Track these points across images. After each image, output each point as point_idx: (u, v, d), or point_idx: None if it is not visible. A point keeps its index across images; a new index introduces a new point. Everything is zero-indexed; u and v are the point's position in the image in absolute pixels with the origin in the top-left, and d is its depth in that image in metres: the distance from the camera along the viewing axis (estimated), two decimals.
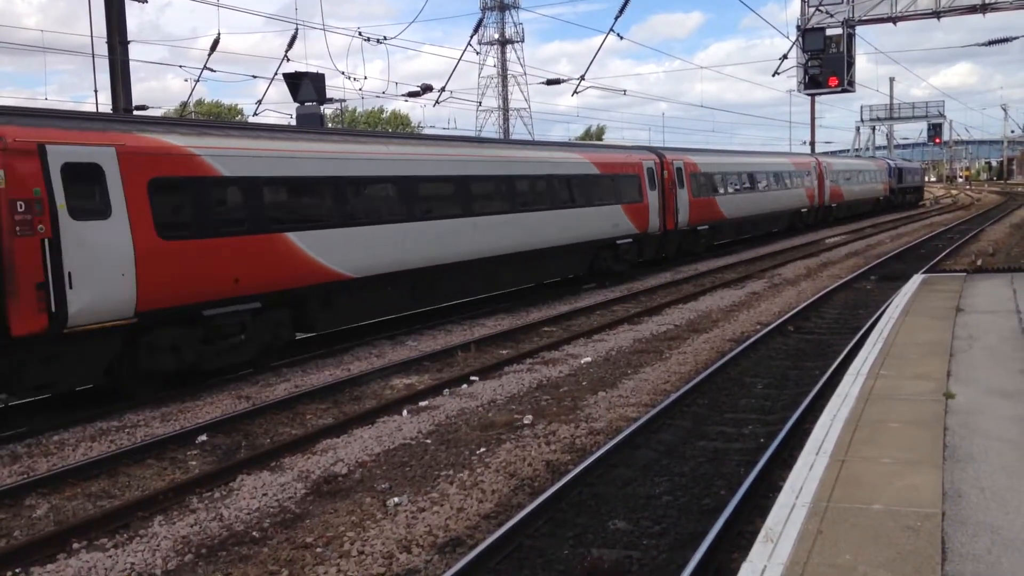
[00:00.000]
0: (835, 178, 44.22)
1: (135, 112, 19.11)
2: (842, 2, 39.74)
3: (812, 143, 59.60)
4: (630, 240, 23.73)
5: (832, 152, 72.68)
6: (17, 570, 6.63)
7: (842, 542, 4.67)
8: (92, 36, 18.65)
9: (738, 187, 31.52)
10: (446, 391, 11.86)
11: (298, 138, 14.72)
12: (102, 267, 10.70)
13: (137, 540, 7.11)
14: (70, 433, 10.29)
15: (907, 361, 9.27)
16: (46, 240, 10.12)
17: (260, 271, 12.88)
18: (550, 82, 29.22)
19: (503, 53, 76.66)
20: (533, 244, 19.50)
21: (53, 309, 10.17)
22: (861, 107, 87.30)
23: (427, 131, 55.91)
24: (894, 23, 42.46)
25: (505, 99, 77.28)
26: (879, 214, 51.36)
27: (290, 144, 14.10)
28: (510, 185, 19.07)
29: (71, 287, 10.35)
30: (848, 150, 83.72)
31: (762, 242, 34.52)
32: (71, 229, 10.40)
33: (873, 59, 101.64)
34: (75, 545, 7.06)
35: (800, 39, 36.81)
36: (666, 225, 25.68)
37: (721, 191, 29.80)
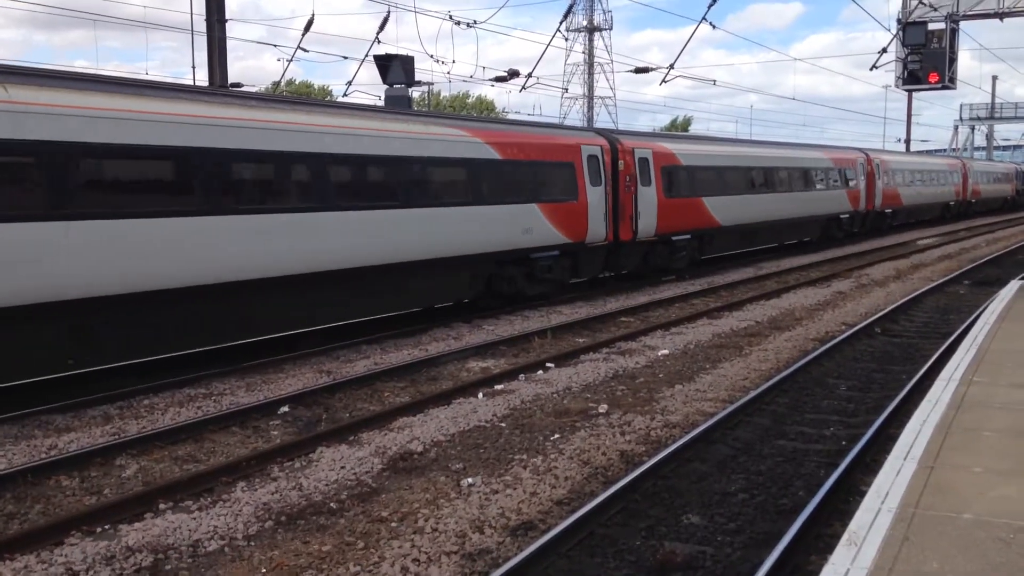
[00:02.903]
0: (976, 178, 50.93)
1: (230, 89, 19.58)
2: None
3: (908, 141, 57.66)
4: (848, 216, 32.77)
5: (932, 151, 70.72)
6: (106, 526, 6.90)
7: (929, 550, 4.53)
8: (192, 14, 19.17)
9: (910, 181, 39.48)
10: (522, 376, 11.90)
11: (705, 141, 26.68)
12: (648, 210, 20.65)
13: (220, 504, 7.34)
14: (160, 398, 10.67)
15: (1003, 368, 8.92)
16: (634, 196, 20.15)
17: (693, 219, 22.64)
18: (638, 70, 28.85)
19: (590, 41, 76.12)
20: (791, 215, 28.11)
21: (634, 229, 20.19)
22: (961, 105, 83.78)
23: (511, 116, 56.01)
24: (1000, 19, 40.66)
25: (590, 87, 76.77)
26: (1005, 212, 55.39)
27: (703, 145, 25.00)
28: (777, 172, 27.46)
29: (639, 219, 20.31)
30: (945, 149, 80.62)
31: (849, 241, 33.69)
32: (640, 190, 20.39)
33: (977, 56, 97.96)
34: (161, 505, 7.32)
35: (901, 33, 35.56)
36: (866, 207, 34.30)
37: (901, 183, 38.25)
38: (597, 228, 18.85)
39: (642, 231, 20.50)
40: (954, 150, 77.72)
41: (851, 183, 32.64)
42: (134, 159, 10.75)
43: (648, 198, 20.66)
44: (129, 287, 10.46)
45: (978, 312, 14.77)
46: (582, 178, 18.44)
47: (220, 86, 18.30)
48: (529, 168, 17.10)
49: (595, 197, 18.74)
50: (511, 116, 57.27)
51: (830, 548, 5.78)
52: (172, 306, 11.09)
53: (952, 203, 46.93)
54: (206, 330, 11.91)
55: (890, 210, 37.19)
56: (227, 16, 18.35)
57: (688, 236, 22.46)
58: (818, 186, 30.11)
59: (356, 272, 13.44)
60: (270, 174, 12.51)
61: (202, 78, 20.79)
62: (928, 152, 66.08)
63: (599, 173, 18.94)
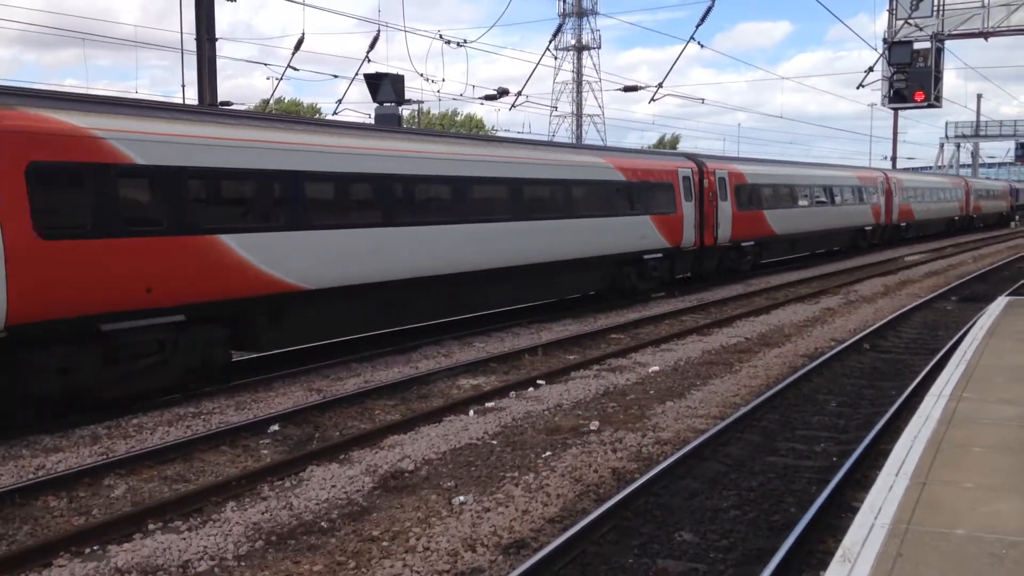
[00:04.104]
0: (976, 195, 55.68)
1: (219, 107, 19.57)
2: (932, 15, 38.60)
3: (894, 159, 58.10)
4: (871, 228, 37.66)
5: (914, 168, 71.68)
6: (95, 547, 6.84)
7: (923, 566, 4.53)
8: (182, 33, 19.18)
9: (921, 198, 44.63)
10: (512, 393, 11.87)
11: (765, 163, 30.30)
12: (725, 221, 24.57)
13: (210, 524, 7.28)
14: (148, 417, 10.59)
15: (992, 385, 8.96)
16: (715, 208, 24.05)
17: (757, 228, 26.65)
18: (627, 89, 29.06)
19: (579, 59, 76.36)
20: (829, 226, 32.67)
21: (715, 237, 24.08)
22: (946, 123, 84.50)
23: (500, 134, 56.36)
24: (985, 38, 41.09)
25: (579, 105, 76.91)
26: (996, 228, 57.12)
27: (764, 167, 28.96)
28: (819, 189, 31.97)
29: (718, 228, 24.23)
30: (931, 167, 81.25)
31: (838, 257, 33.94)
32: (719, 204, 24.30)
33: (962, 75, 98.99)
34: (151, 526, 7.25)
35: (886, 52, 35.86)
36: (885, 220, 39.20)
37: (913, 200, 43.16)
38: (689, 235, 22.93)
39: (721, 238, 24.54)
40: (940, 167, 78.32)
41: (874, 199, 37.13)
42: (424, 184, 15.02)
43: (725, 211, 24.65)
44: (410, 274, 14.43)
45: (966, 328, 14.85)
46: (679, 195, 22.54)
47: (210, 104, 18.30)
48: (644, 187, 21.21)
49: (688, 210, 22.82)
50: (500, 134, 57.56)
51: (823, 564, 5.79)
52: (432, 288, 15.08)
53: (957, 218, 51.36)
54: (449, 306, 16.22)
55: (904, 224, 41.74)
56: (217, 35, 18.38)
57: (753, 243, 26.68)
58: (849, 202, 34.53)
59: (534, 267, 17.52)
60: (490, 193, 16.62)
61: (192, 96, 20.77)
62: (914, 169, 66.90)
63: (691, 190, 23.05)
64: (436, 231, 14.95)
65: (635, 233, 20.69)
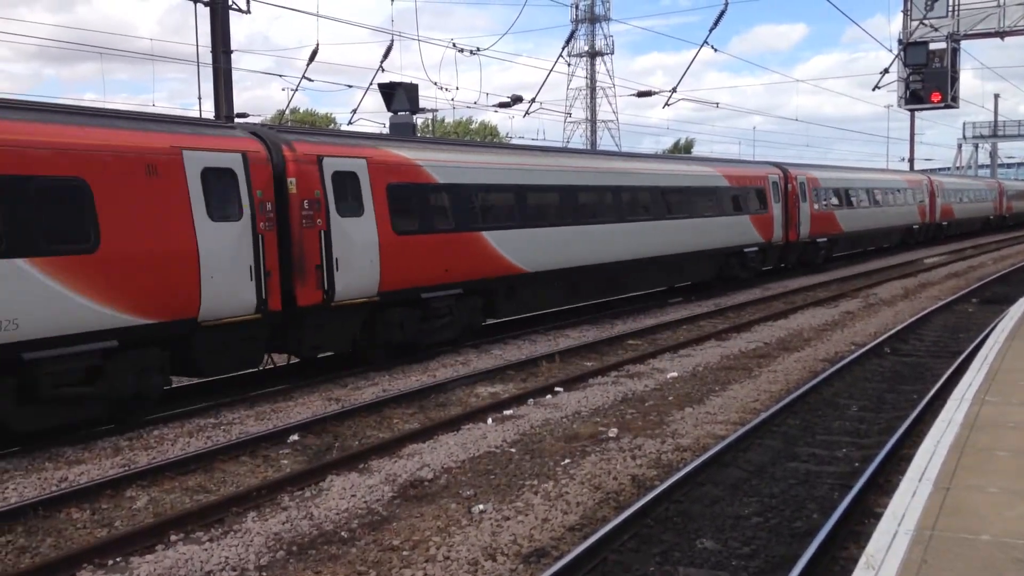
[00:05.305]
0: (1009, 196, 59.72)
1: (236, 120, 19.68)
2: (947, 15, 38.38)
3: (911, 160, 57.71)
4: (918, 227, 40.62)
5: (934, 170, 71.63)
6: (118, 559, 6.87)
7: (948, 572, 4.48)
8: (198, 46, 19.30)
9: (959, 199, 47.58)
10: (530, 401, 11.86)
11: (835, 169, 34.00)
12: (805, 219, 28.25)
13: (231, 535, 7.30)
14: (169, 428, 10.66)
15: (1015, 388, 8.86)
16: (797, 208, 27.64)
17: (829, 227, 30.14)
18: (641, 94, 29.04)
19: (592, 65, 76.36)
20: (885, 224, 36.45)
21: (797, 233, 27.85)
22: (964, 124, 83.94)
23: (514, 141, 56.44)
24: (1002, 38, 40.81)
25: (593, 111, 76.84)
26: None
27: (835, 172, 32.87)
28: (877, 192, 35.43)
29: (800, 226, 27.68)
30: (949, 168, 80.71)
31: (859, 260, 33.74)
32: (800, 205, 27.84)
33: (980, 75, 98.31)
34: (172, 537, 7.28)
35: (902, 53, 35.65)
36: (930, 220, 41.89)
37: (953, 201, 46.01)
38: (778, 232, 26.84)
39: (802, 234, 28.09)
40: (958, 168, 77.78)
41: (920, 200, 40.36)
42: (596, 192, 19.26)
43: (805, 211, 28.24)
44: (586, 261, 18.47)
45: (988, 331, 14.72)
46: (770, 197, 26.43)
47: (226, 117, 18.41)
48: (743, 191, 25.27)
49: (777, 211, 26.75)
50: (515, 141, 57.69)
51: (847, 572, 5.75)
52: (601, 273, 19.13)
53: (991, 217, 55.04)
54: (610, 288, 20.31)
55: (946, 222, 44.93)
56: (233, 47, 18.50)
57: (825, 239, 30.03)
58: (901, 203, 37.98)
59: (668, 257, 21.49)
60: (638, 199, 20.69)
61: (208, 109, 20.91)
62: (934, 170, 66.77)
63: (779, 194, 26.91)
64: (604, 229, 19.11)
65: (739, 230, 24.71)
